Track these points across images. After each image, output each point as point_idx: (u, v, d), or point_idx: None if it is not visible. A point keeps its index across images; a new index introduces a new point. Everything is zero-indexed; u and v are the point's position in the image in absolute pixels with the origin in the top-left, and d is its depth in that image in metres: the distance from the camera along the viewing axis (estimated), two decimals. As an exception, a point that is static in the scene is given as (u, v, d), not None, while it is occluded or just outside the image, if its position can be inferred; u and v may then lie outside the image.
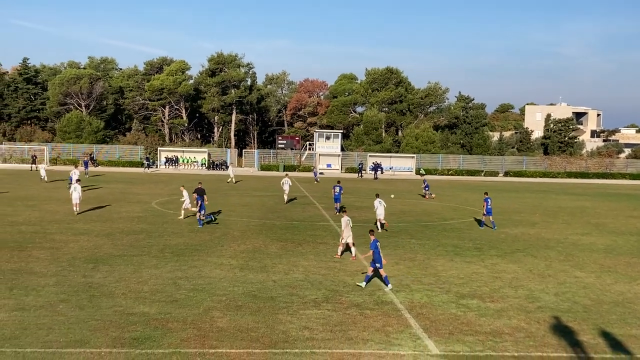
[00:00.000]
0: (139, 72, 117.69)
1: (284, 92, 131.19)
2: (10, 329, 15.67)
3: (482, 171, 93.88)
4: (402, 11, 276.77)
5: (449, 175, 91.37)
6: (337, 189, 40.29)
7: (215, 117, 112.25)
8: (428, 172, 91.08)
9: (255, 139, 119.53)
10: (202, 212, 33.92)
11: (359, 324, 17.10)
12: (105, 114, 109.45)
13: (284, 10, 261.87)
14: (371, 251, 21.32)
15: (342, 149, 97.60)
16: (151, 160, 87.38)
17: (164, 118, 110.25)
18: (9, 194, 46.00)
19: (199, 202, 34.28)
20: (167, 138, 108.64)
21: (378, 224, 33.12)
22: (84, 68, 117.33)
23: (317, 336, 15.97)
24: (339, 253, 26.45)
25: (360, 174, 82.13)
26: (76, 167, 53.38)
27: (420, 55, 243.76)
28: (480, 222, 37.17)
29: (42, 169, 61.34)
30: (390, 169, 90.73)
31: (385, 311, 18.35)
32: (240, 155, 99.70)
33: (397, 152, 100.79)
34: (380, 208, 32.90)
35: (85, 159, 76.36)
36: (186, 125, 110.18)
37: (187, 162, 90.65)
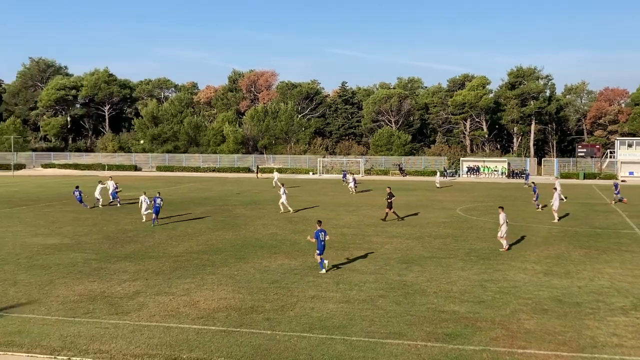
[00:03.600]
0: (443, 89, 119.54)
1: (583, 101, 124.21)
2: (338, 318, 16.68)
3: None
4: None
5: None
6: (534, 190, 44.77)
7: (515, 128, 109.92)
8: None
9: (554, 148, 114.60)
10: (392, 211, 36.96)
11: (673, 334, 15.54)
12: (412, 129, 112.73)
13: (584, 20, 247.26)
14: (315, 239, 22.40)
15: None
16: (447, 170, 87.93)
17: (465, 130, 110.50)
18: (331, 200, 49.13)
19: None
20: (468, 149, 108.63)
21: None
22: (394, 88, 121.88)
23: (627, 344, 14.79)
24: (505, 247, 27.11)
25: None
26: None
27: None
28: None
29: (276, 181, 62.76)
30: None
31: (702, 323, 16.44)
32: (539, 163, 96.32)
33: None
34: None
35: (344, 170, 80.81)
36: (486, 136, 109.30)
37: (488, 171, 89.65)
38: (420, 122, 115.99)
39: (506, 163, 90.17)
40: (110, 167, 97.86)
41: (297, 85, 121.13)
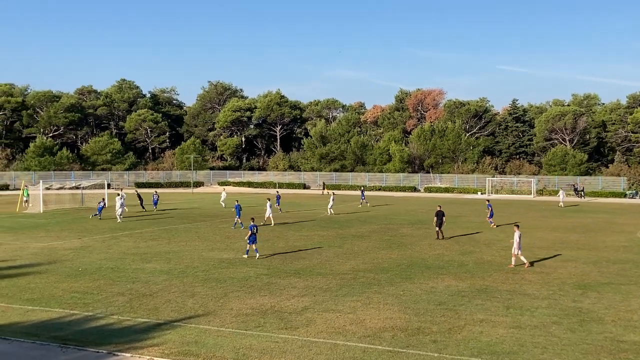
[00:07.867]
0: (621, 105, 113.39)
1: None
2: (508, 344, 16.14)
3: None
4: None
5: None
6: None
7: None
8: None
9: None
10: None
11: None
12: (588, 147, 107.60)
13: None
14: (250, 232, 29.25)
15: None
16: (635, 191, 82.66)
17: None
18: (500, 222, 47.70)
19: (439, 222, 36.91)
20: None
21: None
22: (568, 105, 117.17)
23: None
24: (512, 264, 27.65)
25: None
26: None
27: None
28: None
29: (223, 200, 61.99)
30: None
31: None
32: None
33: None
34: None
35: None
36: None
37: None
38: (597, 141, 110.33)
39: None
40: (281, 185, 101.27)
41: (465, 103, 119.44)
